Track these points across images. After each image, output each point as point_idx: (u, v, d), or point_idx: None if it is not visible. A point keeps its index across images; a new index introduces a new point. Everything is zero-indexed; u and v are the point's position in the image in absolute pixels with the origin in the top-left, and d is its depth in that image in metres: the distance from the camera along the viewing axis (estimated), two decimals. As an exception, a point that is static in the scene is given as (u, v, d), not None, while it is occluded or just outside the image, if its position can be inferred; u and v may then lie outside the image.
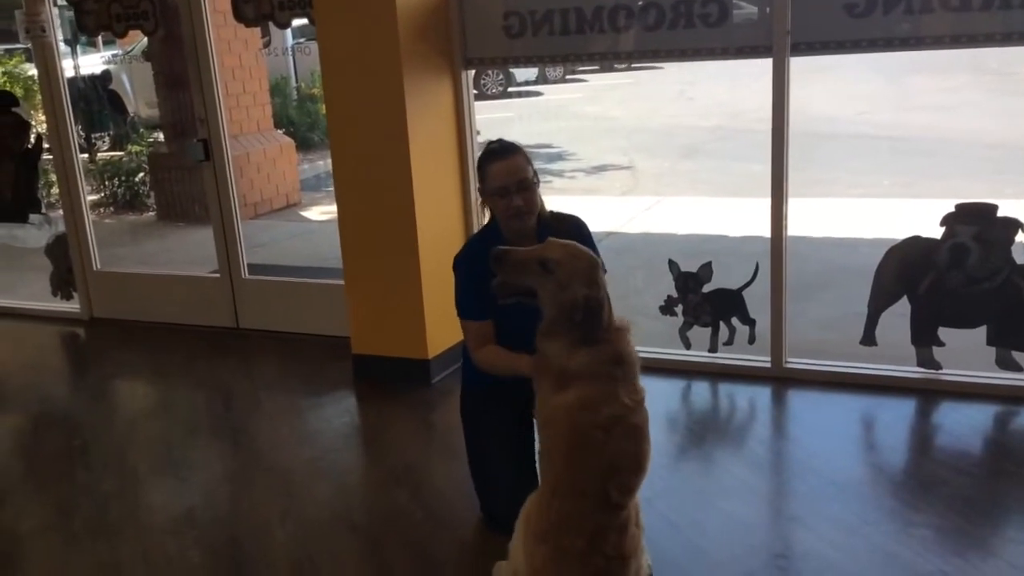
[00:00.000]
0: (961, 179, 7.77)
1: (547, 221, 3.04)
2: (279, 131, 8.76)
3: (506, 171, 2.96)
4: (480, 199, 3.15)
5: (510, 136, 3.13)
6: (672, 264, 4.46)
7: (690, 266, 4.43)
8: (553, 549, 2.51)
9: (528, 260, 2.61)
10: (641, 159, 10.11)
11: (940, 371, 4.03)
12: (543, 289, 2.59)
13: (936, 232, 3.95)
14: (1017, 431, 3.75)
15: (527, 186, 2.96)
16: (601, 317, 2.54)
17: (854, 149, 9.55)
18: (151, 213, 8.39)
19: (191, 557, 3.13)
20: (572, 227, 3.01)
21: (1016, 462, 3.42)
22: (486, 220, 3.18)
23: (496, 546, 2.84)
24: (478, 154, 4.72)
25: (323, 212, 8.33)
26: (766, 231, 4.16)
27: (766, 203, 4.12)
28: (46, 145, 6.10)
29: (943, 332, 4.05)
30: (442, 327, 4.44)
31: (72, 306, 6.06)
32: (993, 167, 8.39)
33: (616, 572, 2.54)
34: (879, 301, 4.14)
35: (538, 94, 14.81)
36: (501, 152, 3.01)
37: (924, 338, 4.04)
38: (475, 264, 3.04)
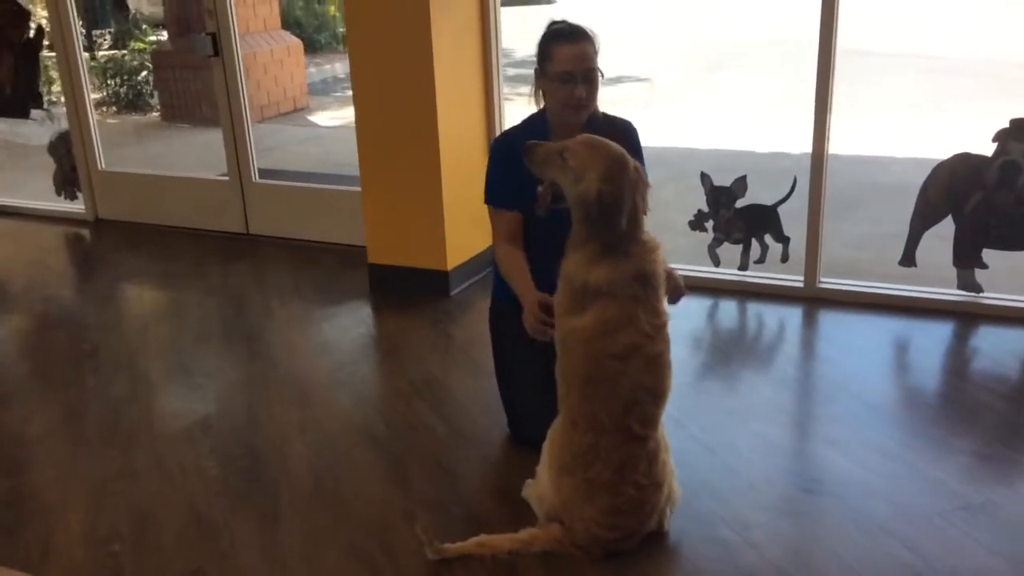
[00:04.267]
0: (1002, 100, 7.51)
1: (598, 122, 2.82)
2: (287, 32, 8.44)
3: (575, 56, 2.71)
4: (535, 82, 2.87)
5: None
6: (704, 177, 4.27)
7: (716, 181, 4.24)
8: (580, 480, 2.42)
9: (552, 152, 2.44)
10: (664, 71, 9.81)
11: (981, 295, 3.88)
12: (564, 183, 2.42)
13: (987, 150, 3.76)
14: (1059, 358, 3.63)
15: (592, 78, 2.74)
16: (619, 216, 2.33)
17: (893, 68, 9.26)
18: (155, 113, 8.14)
19: (207, 468, 3.02)
20: (620, 131, 2.79)
21: (1060, 390, 3.30)
22: (534, 107, 2.94)
23: (521, 462, 2.75)
24: (503, 61, 4.53)
25: (332, 117, 8.06)
26: (794, 147, 3.97)
27: (793, 118, 3.91)
28: (47, 42, 5.84)
29: (986, 254, 3.89)
30: (462, 237, 4.29)
31: (77, 206, 5.89)
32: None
33: (650, 499, 2.45)
34: (923, 220, 3.97)
35: (551, 0, 14.33)
36: (571, 35, 2.74)
37: (967, 259, 3.88)
38: (512, 152, 2.85)
